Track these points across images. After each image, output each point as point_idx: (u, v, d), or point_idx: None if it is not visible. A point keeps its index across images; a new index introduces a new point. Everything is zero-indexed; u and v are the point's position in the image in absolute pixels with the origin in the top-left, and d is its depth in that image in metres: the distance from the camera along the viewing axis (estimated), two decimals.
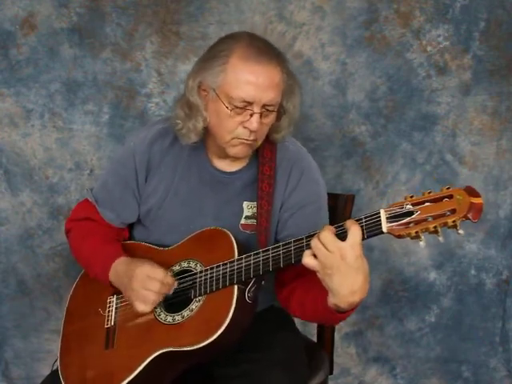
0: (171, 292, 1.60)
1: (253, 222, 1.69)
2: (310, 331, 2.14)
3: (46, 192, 2.53)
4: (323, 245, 1.32)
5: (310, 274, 1.46)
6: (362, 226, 1.32)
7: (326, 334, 1.98)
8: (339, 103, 2.51)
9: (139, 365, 1.55)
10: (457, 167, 2.51)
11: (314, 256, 1.34)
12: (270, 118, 1.62)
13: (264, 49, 1.58)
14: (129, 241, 1.85)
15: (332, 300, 1.37)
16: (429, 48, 2.47)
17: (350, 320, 2.63)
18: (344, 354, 2.64)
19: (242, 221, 1.70)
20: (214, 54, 1.61)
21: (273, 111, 1.60)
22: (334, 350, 2.01)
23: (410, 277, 2.60)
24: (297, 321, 1.90)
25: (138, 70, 2.49)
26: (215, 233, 1.63)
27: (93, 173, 2.52)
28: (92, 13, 2.44)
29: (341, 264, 1.30)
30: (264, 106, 1.57)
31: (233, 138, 1.61)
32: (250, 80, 1.54)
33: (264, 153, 1.70)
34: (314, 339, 2.02)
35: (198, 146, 1.73)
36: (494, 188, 2.53)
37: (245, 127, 1.58)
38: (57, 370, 1.73)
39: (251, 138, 1.60)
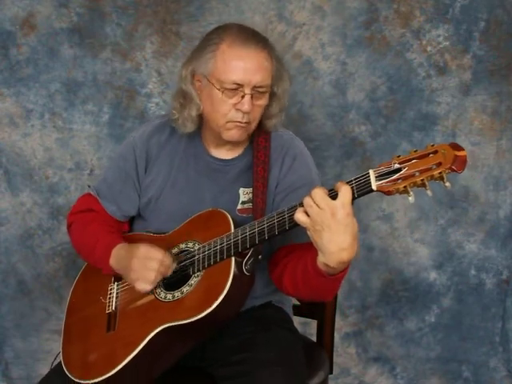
0: (170, 273, 1.63)
1: (249, 206, 1.73)
2: (310, 331, 2.15)
3: (45, 192, 2.53)
4: (315, 202, 1.35)
5: (301, 248, 1.52)
6: (352, 187, 1.36)
7: (325, 334, 1.98)
8: (339, 103, 2.51)
9: (141, 342, 1.56)
10: None
11: (306, 214, 1.38)
12: (263, 100, 1.67)
13: (251, 35, 1.67)
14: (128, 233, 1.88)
15: (321, 259, 1.40)
16: (429, 48, 2.47)
17: (349, 320, 2.63)
18: (344, 353, 2.64)
19: (239, 206, 1.74)
20: (205, 43, 1.70)
21: (264, 93, 1.66)
22: (333, 350, 2.01)
23: (410, 277, 2.60)
24: (296, 321, 1.90)
25: (137, 70, 2.49)
26: (210, 213, 1.67)
27: (93, 173, 2.53)
28: (92, 13, 2.44)
29: (331, 221, 1.33)
30: (254, 87, 1.63)
31: (227, 122, 1.67)
32: (238, 63, 1.62)
33: (258, 141, 1.76)
34: (314, 339, 2.01)
35: (194, 137, 1.80)
36: (494, 188, 2.53)
37: (237, 109, 1.64)
38: (55, 368, 1.73)
39: (244, 120, 1.66)
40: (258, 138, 1.76)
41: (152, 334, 1.55)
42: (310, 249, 1.45)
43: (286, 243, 1.66)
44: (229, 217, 1.62)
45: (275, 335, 1.69)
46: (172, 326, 1.54)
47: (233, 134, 1.68)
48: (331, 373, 1.95)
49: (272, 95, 1.71)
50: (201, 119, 1.75)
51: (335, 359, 2.06)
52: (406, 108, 2.51)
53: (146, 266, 1.59)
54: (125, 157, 1.82)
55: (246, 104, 1.63)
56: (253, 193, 1.69)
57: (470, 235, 2.57)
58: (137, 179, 1.81)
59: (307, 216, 1.37)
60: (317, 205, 1.35)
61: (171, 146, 1.80)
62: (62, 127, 2.51)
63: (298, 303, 1.99)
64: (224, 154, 1.78)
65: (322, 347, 1.97)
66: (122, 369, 1.56)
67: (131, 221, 1.90)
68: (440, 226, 2.57)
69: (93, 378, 1.59)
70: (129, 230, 1.89)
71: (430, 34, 2.46)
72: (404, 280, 2.61)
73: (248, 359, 1.59)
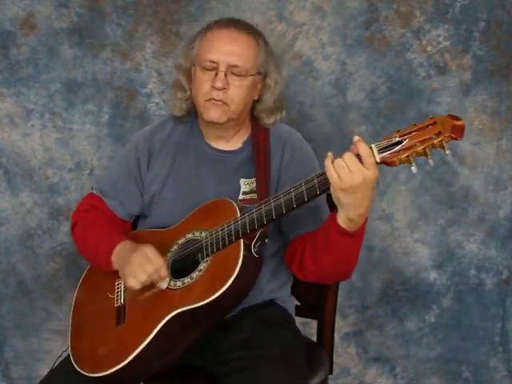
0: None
1: (251, 196, 1.74)
2: (310, 331, 2.14)
3: (45, 192, 2.53)
4: (346, 165, 1.40)
5: (314, 234, 1.58)
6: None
7: (325, 334, 1.98)
8: (339, 103, 2.51)
9: (152, 330, 1.54)
10: (457, 167, 2.51)
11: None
12: (240, 82, 1.70)
13: (237, 21, 1.75)
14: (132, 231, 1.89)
15: (342, 215, 1.47)
16: (429, 48, 2.47)
17: (349, 320, 2.63)
18: (344, 353, 2.64)
19: (240, 196, 1.75)
20: (193, 37, 1.80)
21: (240, 75, 1.69)
22: (333, 350, 2.01)
23: (410, 277, 2.60)
24: (297, 321, 1.90)
25: (137, 70, 2.49)
26: (214, 203, 1.69)
27: (93, 173, 2.53)
28: (92, 13, 2.45)
29: (360, 185, 1.40)
30: (230, 66, 1.68)
31: (206, 101, 1.71)
32: (215, 42, 1.71)
33: (258, 133, 1.79)
34: (314, 339, 2.01)
35: (194, 129, 1.84)
36: (494, 188, 2.53)
37: (212, 86, 1.68)
38: (58, 367, 1.72)
39: (219, 97, 1.68)
40: (258, 131, 1.79)
41: (163, 322, 1.54)
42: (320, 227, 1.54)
43: (297, 234, 1.69)
44: (233, 203, 1.63)
45: (277, 335, 1.69)
46: (184, 310, 1.53)
47: (211, 113, 1.71)
48: (331, 373, 1.95)
49: (264, 86, 1.76)
50: (195, 109, 1.79)
51: (335, 359, 2.05)
52: (406, 108, 2.51)
53: (142, 265, 1.59)
54: (127, 156, 1.85)
55: (218, 81, 1.67)
56: (256, 181, 1.72)
57: (470, 235, 2.57)
58: (139, 176, 1.83)
59: (337, 176, 1.41)
60: (348, 168, 1.39)
61: (174, 139, 1.83)
62: (61, 127, 2.51)
63: (298, 303, 1.99)
64: (223, 145, 1.80)
65: (322, 347, 1.97)
66: (134, 358, 1.54)
67: (135, 224, 1.90)
68: (440, 226, 2.56)
69: (105, 370, 1.57)
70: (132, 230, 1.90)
71: (430, 34, 2.46)
72: (404, 280, 2.61)
73: (248, 356, 1.59)
